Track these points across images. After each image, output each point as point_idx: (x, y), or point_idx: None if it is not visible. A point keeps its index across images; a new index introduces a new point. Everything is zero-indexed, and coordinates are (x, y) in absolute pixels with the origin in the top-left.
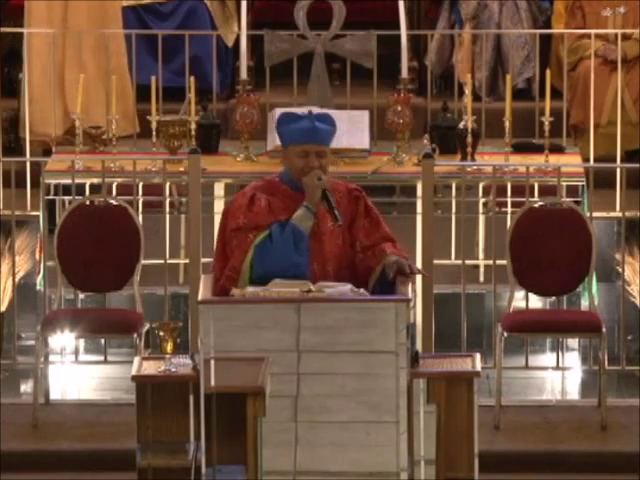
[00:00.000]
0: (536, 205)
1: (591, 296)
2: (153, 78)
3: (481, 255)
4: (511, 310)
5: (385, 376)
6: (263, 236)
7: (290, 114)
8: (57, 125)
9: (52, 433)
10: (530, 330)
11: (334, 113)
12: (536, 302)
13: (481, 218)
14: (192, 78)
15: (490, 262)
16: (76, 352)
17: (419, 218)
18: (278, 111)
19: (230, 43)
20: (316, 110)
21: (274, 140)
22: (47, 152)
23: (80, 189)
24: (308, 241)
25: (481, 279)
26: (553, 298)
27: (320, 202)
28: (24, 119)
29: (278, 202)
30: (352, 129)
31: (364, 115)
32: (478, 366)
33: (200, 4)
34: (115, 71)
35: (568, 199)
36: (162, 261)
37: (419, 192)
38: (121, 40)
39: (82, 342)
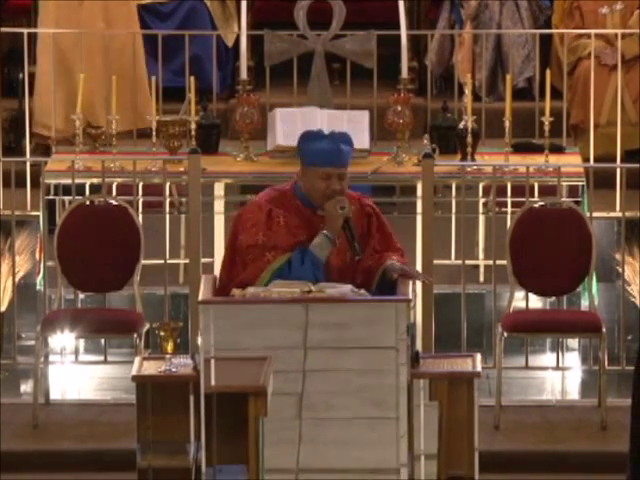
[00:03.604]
0: (536, 205)
1: (591, 296)
2: (153, 78)
3: (481, 255)
4: (511, 310)
5: (386, 372)
6: (282, 262)
7: (313, 133)
8: (63, 124)
9: (52, 433)
10: (530, 330)
11: (334, 113)
12: (536, 302)
13: (481, 218)
14: (192, 78)
15: (490, 262)
16: (76, 352)
17: (419, 218)
18: (278, 111)
19: (230, 43)
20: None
21: (274, 140)
22: (47, 148)
23: (80, 189)
24: (324, 269)
25: (481, 279)
26: (553, 298)
27: (340, 231)
28: (34, 116)
29: (294, 219)
30: (352, 129)
31: (364, 115)
32: (478, 366)
33: (200, 4)
34: (131, 70)
35: (568, 199)
36: (162, 261)
37: (419, 192)
38: (139, 39)
39: (82, 342)
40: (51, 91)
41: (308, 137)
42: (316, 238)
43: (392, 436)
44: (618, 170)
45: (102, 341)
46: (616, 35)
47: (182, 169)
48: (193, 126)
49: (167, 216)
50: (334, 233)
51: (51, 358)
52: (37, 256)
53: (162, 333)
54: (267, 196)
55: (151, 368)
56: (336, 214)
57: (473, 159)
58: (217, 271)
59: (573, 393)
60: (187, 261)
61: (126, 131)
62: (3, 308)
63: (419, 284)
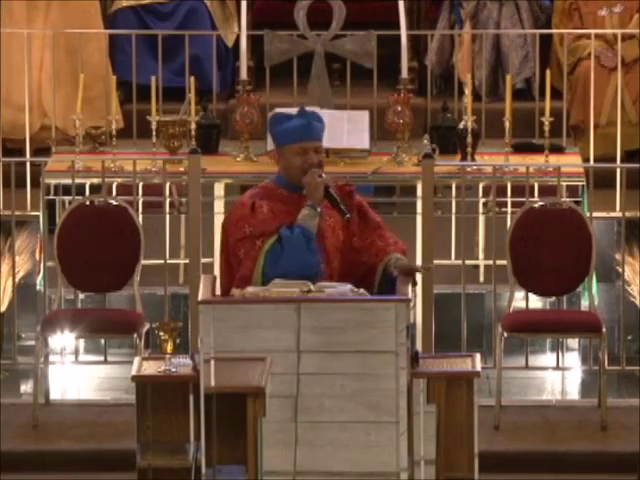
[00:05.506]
0: (536, 205)
1: (591, 296)
2: (153, 78)
3: (481, 255)
4: (511, 310)
5: (385, 376)
6: (272, 241)
7: (282, 114)
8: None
9: (52, 433)
10: (530, 330)
11: (334, 113)
12: (536, 302)
13: (481, 218)
14: (192, 78)
15: (490, 262)
16: (76, 352)
17: (419, 218)
18: (278, 111)
19: (230, 43)
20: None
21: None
22: (41, 152)
23: (80, 189)
24: (317, 243)
25: (481, 279)
26: (553, 298)
27: (323, 199)
28: None
29: (280, 206)
30: (352, 129)
31: (364, 115)
32: (478, 366)
33: (200, 4)
34: (97, 70)
35: (568, 199)
36: (162, 261)
37: (419, 192)
38: (102, 39)
39: (82, 342)
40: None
41: (278, 119)
42: (301, 212)
43: (391, 440)
44: (618, 170)
45: (102, 341)
46: (615, 37)
47: (182, 169)
48: (193, 126)
49: (167, 216)
50: (317, 202)
51: (51, 358)
52: (37, 256)
53: (162, 333)
54: (249, 194)
55: (151, 368)
56: (316, 182)
57: (473, 159)
58: (217, 271)
59: (573, 393)
60: (187, 261)
61: (92, 133)
62: (3, 308)
63: (419, 283)
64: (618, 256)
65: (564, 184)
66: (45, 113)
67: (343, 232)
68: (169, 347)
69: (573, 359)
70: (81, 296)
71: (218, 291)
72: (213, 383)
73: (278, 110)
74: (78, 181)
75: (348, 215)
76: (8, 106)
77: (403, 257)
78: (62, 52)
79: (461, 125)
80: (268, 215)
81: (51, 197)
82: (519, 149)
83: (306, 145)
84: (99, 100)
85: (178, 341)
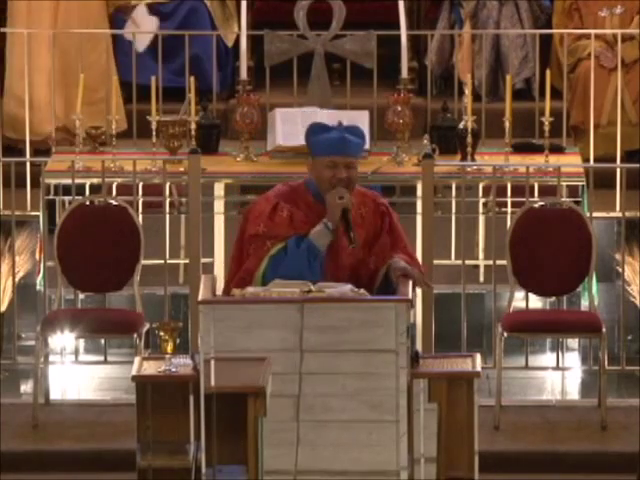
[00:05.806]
0: (536, 205)
1: (591, 296)
2: (153, 78)
3: (481, 255)
4: (511, 310)
5: (386, 375)
6: (279, 247)
7: (321, 125)
8: (39, 126)
9: (52, 433)
10: (530, 330)
11: (334, 113)
12: (536, 302)
13: (481, 218)
14: (192, 78)
15: (490, 262)
16: (76, 352)
17: (419, 218)
18: (278, 111)
19: (230, 43)
20: (346, 122)
21: (274, 140)
22: (41, 152)
23: (80, 189)
24: (322, 259)
25: (481, 279)
26: (553, 298)
27: (339, 221)
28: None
29: (300, 214)
30: None
31: (364, 115)
32: (478, 366)
33: (200, 4)
34: (104, 71)
35: (568, 199)
36: (162, 261)
37: (419, 192)
38: (108, 39)
39: (82, 342)
40: (22, 93)
41: (315, 130)
42: (316, 226)
43: (392, 439)
44: (618, 170)
45: (102, 341)
46: (615, 38)
47: (182, 169)
48: (193, 126)
49: (167, 216)
50: (333, 222)
51: (51, 358)
52: (37, 256)
53: (162, 333)
54: (277, 190)
55: (151, 368)
56: (335, 204)
57: (473, 159)
58: (217, 271)
59: (573, 393)
60: (187, 261)
61: (92, 134)
62: (3, 308)
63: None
64: (618, 256)
65: (564, 184)
66: (57, 117)
67: (363, 251)
68: (169, 347)
69: (573, 359)
70: (81, 296)
71: (219, 289)
72: (213, 383)
73: (319, 122)
74: (78, 181)
75: (354, 245)
76: (22, 107)
77: (404, 263)
78: (71, 53)
79: (461, 125)
80: (286, 221)
81: (51, 197)
82: (519, 149)
83: (337, 159)
84: (105, 102)
85: (178, 341)
